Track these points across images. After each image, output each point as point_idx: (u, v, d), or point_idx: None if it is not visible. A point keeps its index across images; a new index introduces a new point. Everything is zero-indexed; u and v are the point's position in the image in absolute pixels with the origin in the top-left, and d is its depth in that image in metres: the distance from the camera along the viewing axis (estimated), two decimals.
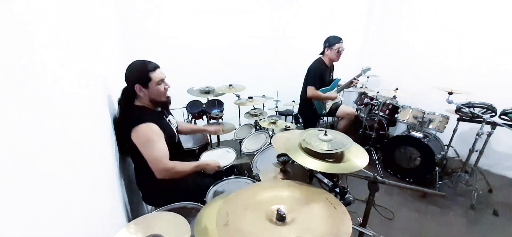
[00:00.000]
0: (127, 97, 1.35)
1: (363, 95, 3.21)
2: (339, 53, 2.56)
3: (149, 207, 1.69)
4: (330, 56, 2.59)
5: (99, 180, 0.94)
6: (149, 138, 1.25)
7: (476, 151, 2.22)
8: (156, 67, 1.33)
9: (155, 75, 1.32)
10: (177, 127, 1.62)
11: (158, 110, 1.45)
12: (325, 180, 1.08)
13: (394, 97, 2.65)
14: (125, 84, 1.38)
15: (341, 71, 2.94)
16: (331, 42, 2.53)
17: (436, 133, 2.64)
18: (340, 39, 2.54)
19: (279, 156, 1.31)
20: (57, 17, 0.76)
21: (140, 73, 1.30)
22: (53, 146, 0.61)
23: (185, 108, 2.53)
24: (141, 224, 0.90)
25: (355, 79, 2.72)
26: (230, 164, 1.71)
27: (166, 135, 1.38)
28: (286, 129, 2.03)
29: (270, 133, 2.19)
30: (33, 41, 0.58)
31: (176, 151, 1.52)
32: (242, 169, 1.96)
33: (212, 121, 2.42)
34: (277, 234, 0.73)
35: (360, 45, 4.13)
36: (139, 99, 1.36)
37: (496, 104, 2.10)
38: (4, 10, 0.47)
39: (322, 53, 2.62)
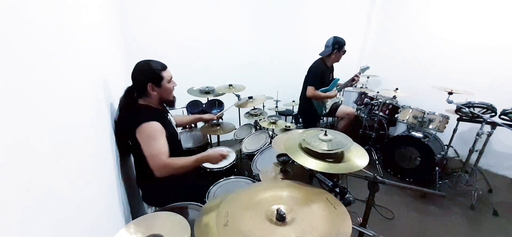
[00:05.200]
0: (131, 96, 1.37)
1: (363, 95, 3.21)
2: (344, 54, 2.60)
3: (149, 207, 1.70)
4: (336, 58, 2.60)
5: (99, 180, 0.94)
6: (152, 135, 1.26)
7: (476, 151, 2.22)
8: (165, 66, 1.38)
9: (166, 74, 1.37)
10: (175, 123, 1.63)
11: (161, 109, 1.47)
12: (325, 180, 1.08)
13: (394, 97, 2.64)
14: (125, 84, 1.38)
15: (341, 72, 2.94)
16: (341, 44, 2.52)
17: (436, 133, 2.64)
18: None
19: (279, 156, 1.31)
20: (57, 17, 0.76)
21: (152, 73, 1.33)
22: (52, 146, 0.61)
23: (185, 108, 2.53)
24: (141, 224, 0.90)
25: (356, 76, 2.71)
26: (230, 164, 1.72)
27: (168, 132, 1.39)
28: (286, 129, 2.03)
29: (270, 133, 2.19)
30: (33, 41, 0.58)
31: (177, 149, 1.53)
32: (242, 169, 1.96)
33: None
34: (277, 234, 0.73)
35: (360, 45, 4.13)
36: (145, 98, 1.38)
37: (496, 104, 2.10)
38: (4, 9, 0.47)
39: (328, 55, 2.57)
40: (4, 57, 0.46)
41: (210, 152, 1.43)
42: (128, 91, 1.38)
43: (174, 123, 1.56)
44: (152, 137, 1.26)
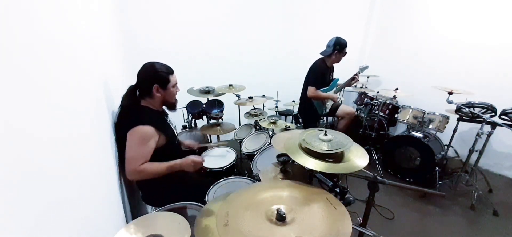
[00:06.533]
0: (134, 95, 1.37)
1: (363, 95, 3.21)
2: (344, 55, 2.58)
3: (149, 207, 1.69)
4: (336, 59, 2.59)
5: (99, 180, 0.94)
6: (142, 138, 1.26)
7: (476, 151, 2.22)
8: (172, 71, 1.41)
9: (173, 78, 1.40)
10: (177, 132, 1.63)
11: (161, 111, 1.47)
12: (325, 180, 1.08)
13: (394, 97, 2.64)
14: (125, 83, 1.38)
15: (341, 72, 2.94)
16: (342, 46, 2.51)
17: (436, 133, 2.64)
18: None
19: (279, 156, 1.31)
20: (58, 17, 0.76)
21: (160, 75, 1.35)
22: (52, 146, 0.61)
23: (185, 108, 2.53)
24: (141, 224, 0.90)
25: (356, 75, 2.70)
26: (230, 164, 1.72)
27: (167, 135, 1.39)
28: (286, 129, 2.03)
29: (270, 133, 2.19)
30: (33, 41, 0.58)
31: (176, 151, 1.53)
32: (242, 169, 1.95)
33: (212, 121, 2.42)
34: (277, 234, 0.73)
35: (360, 45, 4.13)
36: (148, 99, 1.38)
37: (496, 104, 2.09)
38: (4, 8, 0.47)
39: (329, 55, 2.57)
40: (8, 55, 0.46)
41: (182, 160, 1.41)
42: (131, 90, 1.38)
43: (173, 125, 1.57)
44: (142, 141, 1.26)
